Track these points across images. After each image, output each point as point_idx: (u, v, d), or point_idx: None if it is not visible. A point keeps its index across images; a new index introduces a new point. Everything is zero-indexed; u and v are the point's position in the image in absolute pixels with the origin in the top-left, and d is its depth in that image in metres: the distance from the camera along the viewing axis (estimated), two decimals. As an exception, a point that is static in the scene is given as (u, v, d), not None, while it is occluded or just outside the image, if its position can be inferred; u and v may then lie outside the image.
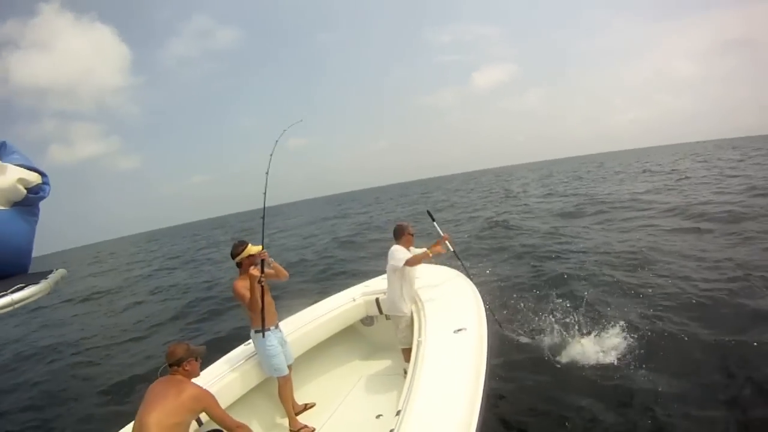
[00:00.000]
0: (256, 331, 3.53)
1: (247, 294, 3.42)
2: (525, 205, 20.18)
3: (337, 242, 17.45)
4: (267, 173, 3.70)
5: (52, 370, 7.58)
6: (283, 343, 3.70)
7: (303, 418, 3.70)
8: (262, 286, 3.41)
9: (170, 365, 2.54)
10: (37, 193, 1.54)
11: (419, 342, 3.23)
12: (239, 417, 3.55)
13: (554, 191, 24.62)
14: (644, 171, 30.77)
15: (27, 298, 1.09)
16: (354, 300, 4.74)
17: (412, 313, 3.92)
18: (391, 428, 2.24)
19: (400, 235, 4.09)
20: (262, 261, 3.46)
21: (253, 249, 3.58)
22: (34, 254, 1.44)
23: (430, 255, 3.98)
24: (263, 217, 3.70)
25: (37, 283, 1.17)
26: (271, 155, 3.88)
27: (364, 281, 5.34)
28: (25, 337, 10.65)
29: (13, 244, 1.35)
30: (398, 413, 2.33)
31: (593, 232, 11.36)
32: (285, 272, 3.74)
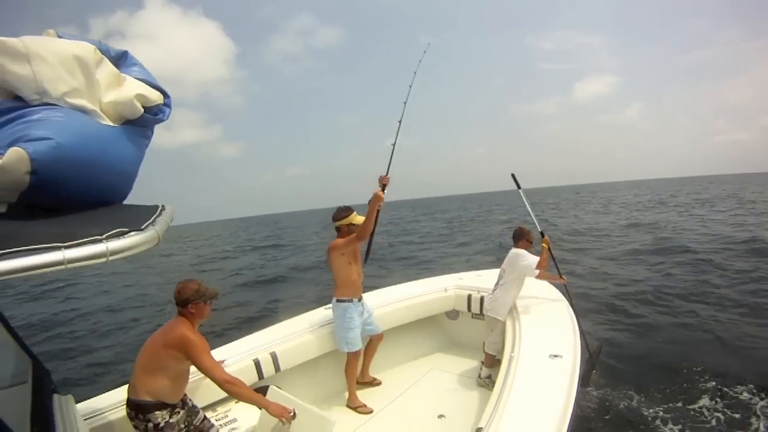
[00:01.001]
0: (338, 301, 3.42)
1: (343, 257, 3.34)
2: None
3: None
4: (393, 144, 3.41)
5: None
6: (367, 315, 3.59)
7: (364, 396, 3.56)
8: (350, 258, 3.37)
9: (177, 304, 2.31)
10: (155, 113, 1.37)
11: (512, 357, 2.93)
12: (301, 380, 3.53)
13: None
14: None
15: (128, 248, 0.81)
16: (446, 290, 4.46)
17: (505, 321, 3.63)
18: None
19: (520, 238, 3.81)
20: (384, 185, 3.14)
21: (357, 218, 3.39)
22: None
23: (564, 280, 3.95)
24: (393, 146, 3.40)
25: (140, 229, 0.88)
26: (404, 102, 3.58)
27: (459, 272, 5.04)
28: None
29: (117, 166, 1.18)
30: (479, 430, 2.18)
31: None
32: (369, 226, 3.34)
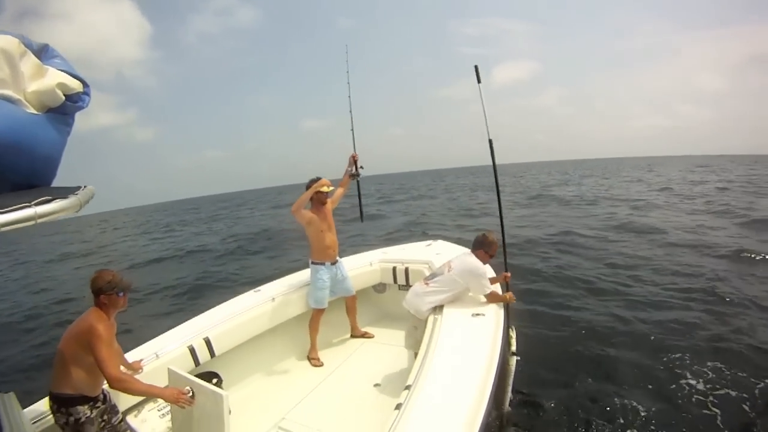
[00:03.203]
0: (312, 263, 3.86)
1: (315, 220, 3.76)
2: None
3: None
4: (352, 130, 4.12)
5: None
6: (341, 278, 3.99)
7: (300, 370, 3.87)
8: (326, 223, 3.83)
9: (92, 293, 2.27)
10: (75, 101, 1.46)
11: (435, 318, 3.11)
12: (241, 363, 3.67)
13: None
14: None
15: (52, 212, 0.95)
16: (371, 265, 4.69)
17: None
18: (399, 402, 2.16)
19: (480, 246, 3.37)
20: (355, 162, 3.96)
21: (323, 187, 3.77)
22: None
23: (511, 300, 3.23)
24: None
25: (64, 197, 1.03)
26: (348, 96, 4.33)
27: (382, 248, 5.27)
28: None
29: (41, 152, 1.27)
30: (407, 387, 2.27)
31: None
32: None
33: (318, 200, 3.82)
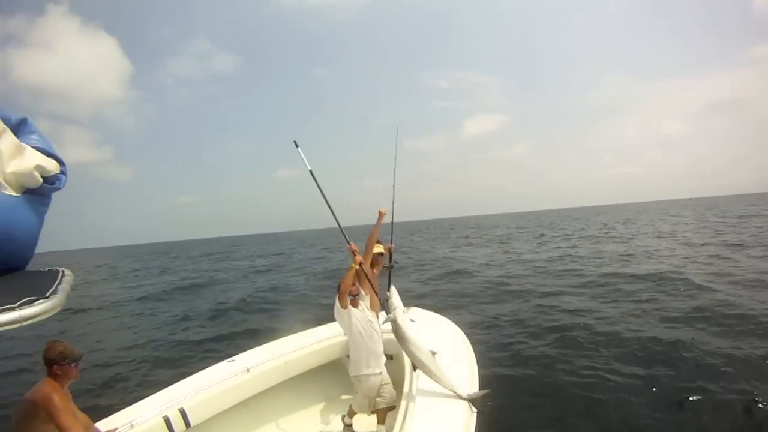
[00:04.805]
0: None
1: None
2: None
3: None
4: (394, 185, 4.05)
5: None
6: None
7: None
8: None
9: (45, 364, 2.31)
10: (53, 183, 1.44)
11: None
12: (249, 411, 3.69)
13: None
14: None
15: (36, 315, 0.91)
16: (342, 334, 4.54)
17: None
18: None
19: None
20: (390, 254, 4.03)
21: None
22: None
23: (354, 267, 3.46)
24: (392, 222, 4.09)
25: (47, 298, 0.99)
26: (395, 157, 4.22)
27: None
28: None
29: (19, 234, 1.23)
30: None
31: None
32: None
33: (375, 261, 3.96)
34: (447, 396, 2.94)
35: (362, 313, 3.48)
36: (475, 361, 3.64)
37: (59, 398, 2.17)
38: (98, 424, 2.81)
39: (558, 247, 21.18)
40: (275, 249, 42.26)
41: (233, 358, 4.11)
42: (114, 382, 6.24)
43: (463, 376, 3.24)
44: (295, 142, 3.69)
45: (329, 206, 3.66)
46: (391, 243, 4.08)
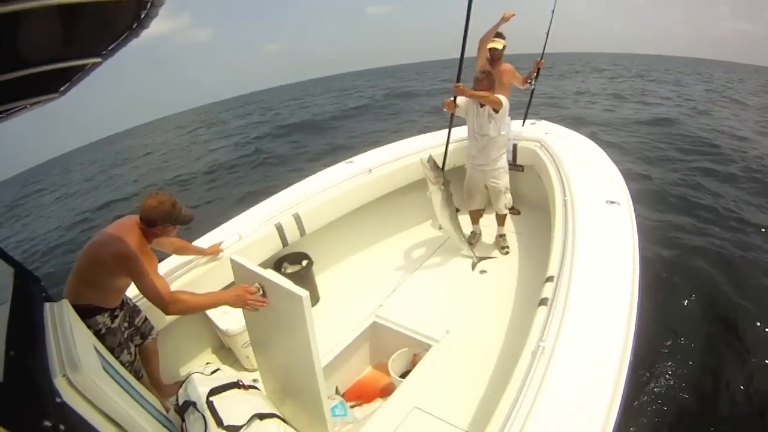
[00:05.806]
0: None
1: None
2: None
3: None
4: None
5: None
6: None
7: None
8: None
9: (141, 219, 1.92)
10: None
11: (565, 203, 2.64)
12: (369, 216, 3.50)
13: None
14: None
15: None
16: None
17: None
18: (544, 296, 1.90)
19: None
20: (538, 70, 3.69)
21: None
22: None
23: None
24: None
25: None
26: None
27: None
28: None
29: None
30: (549, 279, 1.99)
31: None
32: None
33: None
34: None
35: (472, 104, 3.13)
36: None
37: (147, 257, 1.88)
38: (200, 240, 2.63)
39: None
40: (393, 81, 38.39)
41: (351, 159, 3.76)
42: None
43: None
44: None
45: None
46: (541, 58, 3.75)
